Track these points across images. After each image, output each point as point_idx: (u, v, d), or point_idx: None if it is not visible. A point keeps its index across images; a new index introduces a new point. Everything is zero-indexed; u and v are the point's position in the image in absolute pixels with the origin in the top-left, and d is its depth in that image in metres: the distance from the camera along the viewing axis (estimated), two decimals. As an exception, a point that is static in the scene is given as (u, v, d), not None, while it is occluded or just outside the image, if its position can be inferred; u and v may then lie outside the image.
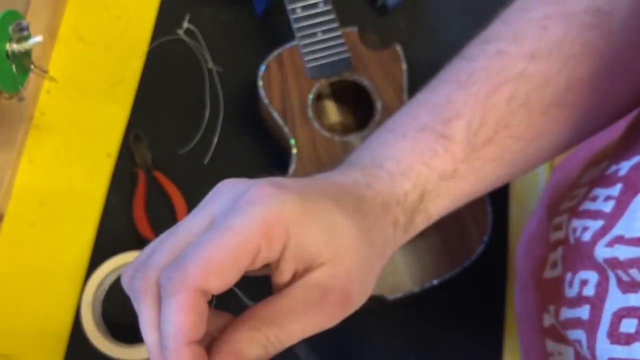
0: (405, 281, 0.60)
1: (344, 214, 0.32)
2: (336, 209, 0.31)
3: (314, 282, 0.30)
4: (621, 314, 0.35)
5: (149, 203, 0.67)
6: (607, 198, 0.39)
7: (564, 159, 0.59)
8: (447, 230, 0.61)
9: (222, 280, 0.28)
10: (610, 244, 0.36)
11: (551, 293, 0.44)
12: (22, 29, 0.58)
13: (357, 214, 0.32)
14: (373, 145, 0.38)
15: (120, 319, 0.63)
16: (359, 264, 0.32)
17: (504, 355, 0.63)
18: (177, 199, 0.66)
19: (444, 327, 0.64)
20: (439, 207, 0.37)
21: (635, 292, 0.34)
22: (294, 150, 0.63)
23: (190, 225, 0.33)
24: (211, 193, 0.34)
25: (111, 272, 0.63)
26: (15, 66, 0.58)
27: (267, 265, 0.31)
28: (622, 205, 0.37)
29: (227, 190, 0.33)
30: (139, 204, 0.66)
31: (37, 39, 0.58)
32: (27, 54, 0.59)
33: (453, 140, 0.37)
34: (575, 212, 0.43)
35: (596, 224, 0.39)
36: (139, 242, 0.65)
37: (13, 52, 0.57)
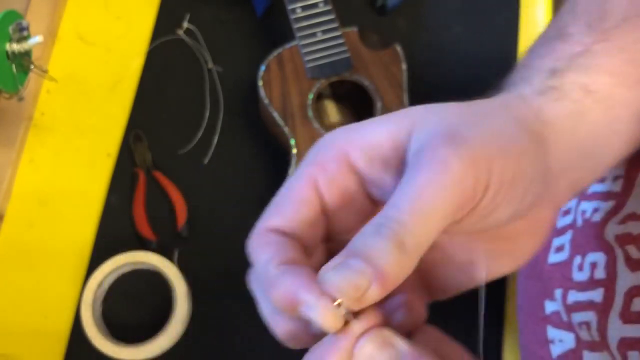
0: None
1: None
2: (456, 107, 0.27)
3: (408, 157, 0.26)
4: (632, 293, 0.35)
5: (149, 203, 0.67)
6: (616, 178, 0.39)
7: None
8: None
9: (293, 221, 0.27)
10: (622, 221, 0.36)
11: (557, 277, 0.44)
12: (22, 29, 0.58)
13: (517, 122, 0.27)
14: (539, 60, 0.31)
15: (120, 319, 0.63)
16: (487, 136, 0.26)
17: (504, 355, 0.63)
18: (177, 199, 0.66)
19: (444, 326, 0.64)
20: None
21: None
22: (294, 150, 0.63)
23: (303, 193, 0.28)
24: (312, 150, 0.29)
25: (111, 272, 0.63)
26: (15, 66, 0.58)
27: None
28: (630, 182, 0.37)
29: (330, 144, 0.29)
30: (139, 204, 0.66)
31: (37, 39, 0.58)
32: (27, 54, 0.59)
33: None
34: (584, 195, 0.43)
35: (607, 205, 0.38)
36: (139, 242, 0.65)
37: (13, 52, 0.57)
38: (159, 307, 0.63)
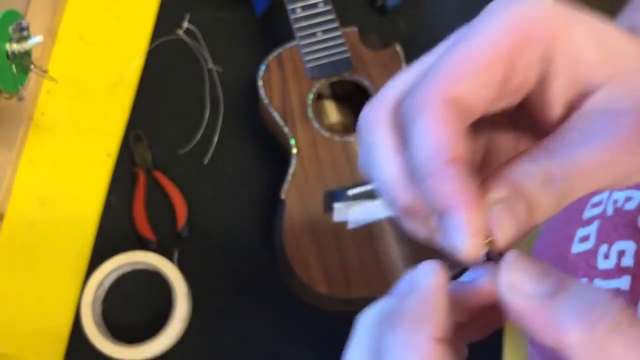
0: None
1: (614, 29, 0.24)
2: (601, 22, 0.24)
3: (596, 107, 0.23)
4: None
5: (149, 203, 0.67)
6: None
7: None
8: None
9: (476, 86, 0.22)
10: None
11: (581, 267, 0.43)
12: (22, 29, 0.58)
13: (631, 34, 0.24)
14: None
15: (120, 319, 0.63)
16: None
17: (504, 355, 0.63)
18: (177, 198, 0.66)
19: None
20: None
21: None
22: (294, 150, 0.63)
23: (422, 61, 0.25)
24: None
25: (111, 272, 0.63)
26: (15, 66, 0.58)
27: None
28: None
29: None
30: (139, 204, 0.66)
31: (37, 39, 0.58)
32: (27, 54, 0.59)
33: None
34: None
35: None
36: (139, 242, 0.65)
37: (13, 52, 0.57)
38: (159, 307, 0.63)
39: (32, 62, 0.60)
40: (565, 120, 0.23)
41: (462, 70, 0.22)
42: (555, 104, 0.24)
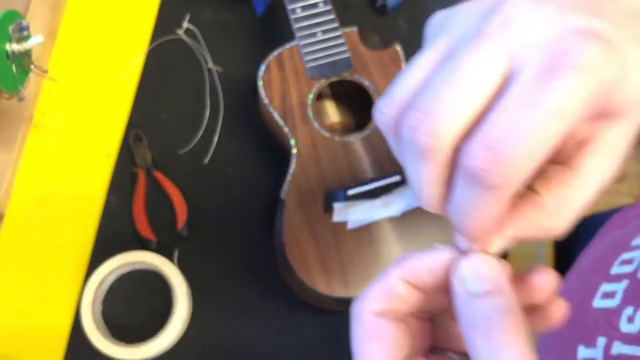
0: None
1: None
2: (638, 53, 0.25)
3: (607, 146, 0.26)
4: None
5: (149, 203, 0.67)
6: None
7: None
8: (447, 230, 0.61)
9: (539, 167, 0.24)
10: None
11: (601, 324, 0.42)
12: (22, 29, 0.58)
13: None
14: None
15: (120, 319, 0.63)
16: None
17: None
18: (177, 199, 0.66)
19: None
20: None
21: None
22: (294, 150, 0.63)
23: (484, 69, 0.24)
24: (496, 20, 0.24)
25: (111, 272, 0.63)
26: (15, 66, 0.58)
27: None
28: None
29: (522, 22, 0.24)
30: (139, 204, 0.66)
31: (37, 39, 0.58)
32: (27, 54, 0.59)
33: None
34: None
35: None
36: (139, 242, 0.65)
37: (13, 52, 0.57)
38: (159, 307, 0.63)
39: (32, 62, 0.60)
40: (569, 154, 0.26)
41: (535, 163, 0.24)
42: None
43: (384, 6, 0.74)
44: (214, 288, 0.65)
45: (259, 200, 0.67)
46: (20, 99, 0.60)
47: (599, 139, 0.26)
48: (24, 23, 0.58)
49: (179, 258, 0.65)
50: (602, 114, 0.25)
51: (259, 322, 0.64)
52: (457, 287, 0.26)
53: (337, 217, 0.60)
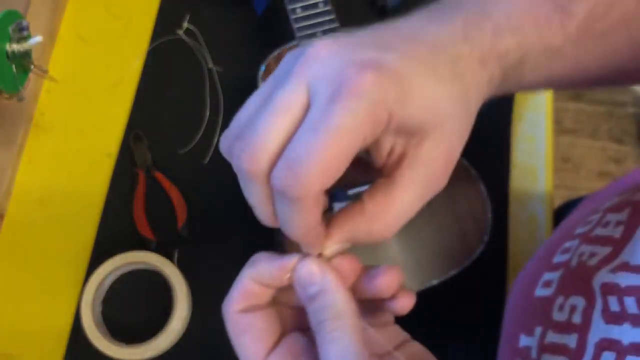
0: (404, 281, 0.59)
1: (441, 82, 0.30)
2: (433, 79, 0.30)
3: (419, 158, 0.30)
4: (602, 346, 0.34)
5: (149, 203, 0.67)
6: (618, 223, 0.38)
7: (599, 191, 0.58)
8: (447, 230, 0.61)
9: (337, 176, 0.28)
10: (613, 271, 0.36)
11: (539, 313, 0.43)
12: (22, 29, 0.58)
13: (454, 78, 0.31)
14: None
15: (120, 319, 0.63)
16: (459, 126, 0.31)
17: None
18: (177, 199, 0.66)
19: (444, 327, 0.64)
20: (532, 78, 0.35)
21: (619, 324, 0.34)
22: (294, 150, 0.63)
23: (288, 100, 0.29)
24: (301, 60, 0.29)
25: (111, 272, 0.63)
26: (15, 66, 0.58)
27: None
28: (629, 230, 0.36)
29: (319, 63, 0.29)
30: (139, 204, 0.66)
31: (37, 39, 0.58)
32: (27, 54, 0.59)
33: (573, 17, 0.34)
34: (587, 238, 0.42)
35: (604, 250, 0.38)
36: (139, 242, 0.65)
37: (13, 52, 0.57)
38: (159, 307, 0.63)
39: (32, 62, 0.60)
40: (386, 166, 0.31)
41: (330, 173, 0.27)
42: (381, 153, 0.31)
43: (384, 6, 0.74)
44: (214, 288, 0.65)
45: (259, 200, 0.67)
46: (20, 99, 0.60)
47: (413, 153, 0.30)
48: (24, 23, 0.58)
49: (179, 258, 0.65)
50: (405, 131, 0.29)
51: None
52: (297, 290, 0.30)
53: (337, 217, 0.60)
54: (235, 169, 0.31)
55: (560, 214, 0.73)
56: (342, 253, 0.32)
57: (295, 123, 0.28)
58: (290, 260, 0.31)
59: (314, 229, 0.30)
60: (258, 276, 0.32)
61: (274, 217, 0.31)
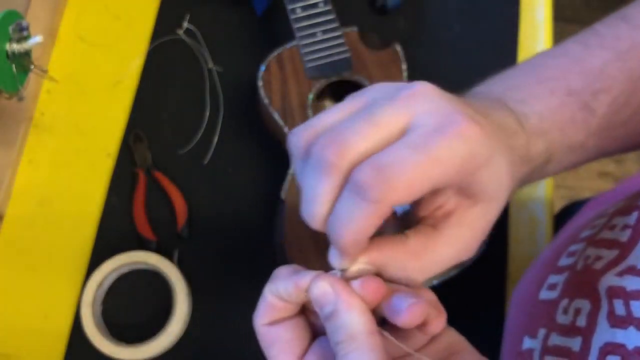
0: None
1: (509, 161, 0.32)
2: (506, 157, 0.32)
3: (467, 220, 0.32)
4: (607, 350, 0.34)
5: (149, 203, 0.67)
6: (625, 227, 0.39)
7: (605, 193, 0.58)
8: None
9: (408, 201, 0.29)
10: (620, 274, 0.36)
11: (543, 315, 0.43)
12: (22, 29, 0.58)
13: (514, 164, 0.33)
14: (522, 88, 0.38)
15: (120, 319, 0.63)
16: (502, 205, 0.33)
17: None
18: (177, 199, 0.66)
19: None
20: (553, 171, 0.38)
21: (624, 328, 0.34)
22: (294, 150, 0.63)
23: (388, 117, 0.30)
24: (408, 91, 0.31)
25: (111, 272, 0.63)
26: (15, 66, 0.58)
27: None
28: (637, 234, 0.36)
29: (427, 98, 0.30)
30: (139, 204, 0.66)
31: (37, 39, 0.58)
32: (27, 54, 0.59)
33: (595, 114, 0.36)
34: (592, 241, 0.42)
35: (610, 254, 0.38)
36: (139, 242, 0.65)
37: (13, 52, 0.57)
38: (159, 307, 0.63)
39: (32, 62, 0.60)
40: (432, 218, 0.32)
41: (413, 191, 0.28)
42: (438, 199, 0.32)
43: (384, 6, 0.74)
44: (214, 288, 0.65)
45: (259, 200, 0.67)
46: (20, 99, 0.60)
47: (462, 213, 0.32)
48: (24, 23, 0.58)
49: (179, 258, 0.65)
50: (466, 192, 0.31)
51: (259, 322, 0.64)
52: (315, 308, 0.30)
53: (337, 217, 0.60)
54: (315, 160, 0.30)
55: (564, 215, 0.73)
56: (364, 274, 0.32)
57: (388, 140, 0.29)
58: (305, 278, 0.31)
59: (365, 238, 0.30)
60: (277, 293, 0.32)
61: (324, 215, 0.30)
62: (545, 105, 0.36)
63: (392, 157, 0.28)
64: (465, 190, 0.31)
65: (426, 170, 0.28)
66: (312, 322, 0.33)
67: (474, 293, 0.64)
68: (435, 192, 0.32)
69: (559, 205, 0.79)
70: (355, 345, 0.28)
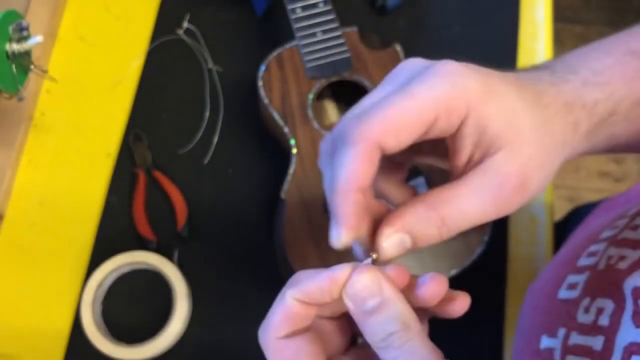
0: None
1: (522, 100, 0.31)
2: (515, 94, 0.31)
3: (491, 167, 0.30)
4: (631, 350, 0.34)
5: (149, 203, 0.67)
6: None
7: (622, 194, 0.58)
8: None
9: (398, 139, 0.29)
10: None
11: (563, 315, 0.43)
12: (22, 29, 0.58)
13: (537, 104, 0.32)
14: (570, 56, 0.37)
15: (120, 319, 0.63)
16: (538, 153, 0.31)
17: (504, 356, 0.63)
18: (177, 199, 0.66)
19: (444, 327, 0.64)
20: (624, 131, 0.36)
21: None
22: (294, 150, 0.63)
23: (372, 95, 0.32)
24: (394, 70, 0.33)
25: (111, 272, 0.63)
26: (15, 66, 0.58)
27: (439, 153, 0.34)
28: None
29: (409, 66, 0.32)
30: (139, 204, 0.66)
31: (37, 39, 0.58)
32: (27, 54, 0.59)
33: None
34: (614, 241, 0.42)
35: (635, 254, 0.38)
36: (139, 242, 0.65)
37: (13, 52, 0.57)
38: (159, 307, 0.63)
39: (32, 62, 0.60)
40: (464, 173, 0.31)
41: (391, 127, 0.29)
42: (461, 154, 0.31)
43: (384, 6, 0.74)
44: (214, 288, 0.65)
45: (259, 200, 0.67)
46: (20, 99, 0.60)
47: (485, 162, 0.30)
48: (24, 23, 0.58)
49: (179, 258, 0.65)
50: (483, 139, 0.30)
51: (259, 322, 0.64)
52: (350, 307, 0.29)
53: (337, 217, 0.60)
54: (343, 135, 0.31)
55: (570, 219, 0.73)
56: (391, 261, 0.31)
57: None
58: (342, 271, 0.29)
59: (356, 184, 0.29)
60: (304, 295, 0.29)
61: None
62: (599, 62, 0.35)
63: (368, 102, 0.30)
64: (481, 135, 0.30)
65: (400, 106, 0.29)
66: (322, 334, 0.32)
67: (474, 293, 0.64)
68: (456, 148, 0.31)
69: (558, 205, 0.79)
70: (412, 334, 0.27)
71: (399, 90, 0.30)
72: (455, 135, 0.31)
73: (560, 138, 0.33)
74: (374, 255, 0.30)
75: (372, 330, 0.28)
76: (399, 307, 0.28)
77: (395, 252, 0.30)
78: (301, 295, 0.29)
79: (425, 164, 0.37)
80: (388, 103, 0.29)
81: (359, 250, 0.32)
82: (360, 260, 0.31)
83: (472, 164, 0.31)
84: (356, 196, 0.29)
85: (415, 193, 0.36)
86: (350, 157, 0.29)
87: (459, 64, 0.30)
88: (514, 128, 0.30)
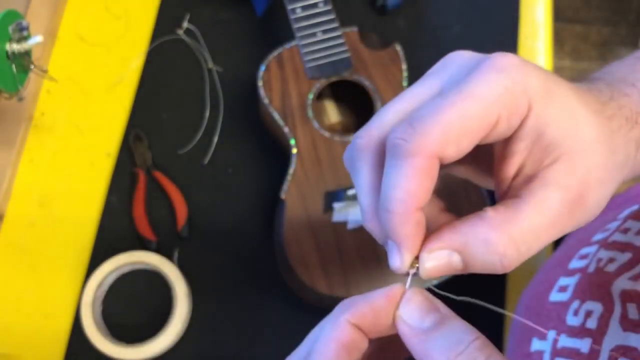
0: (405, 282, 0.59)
1: (586, 109, 0.28)
2: (578, 101, 0.28)
3: (553, 179, 0.27)
4: (618, 353, 0.34)
5: (149, 203, 0.67)
6: (639, 232, 0.38)
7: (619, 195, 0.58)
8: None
9: (459, 147, 0.26)
10: (634, 278, 0.35)
11: (553, 318, 0.43)
12: (22, 29, 0.58)
13: (600, 115, 0.29)
14: (616, 69, 0.34)
15: (120, 319, 0.63)
16: (599, 168, 0.28)
17: (504, 355, 0.63)
18: (177, 198, 0.66)
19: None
20: None
21: (637, 332, 0.33)
22: (294, 150, 0.63)
23: (417, 91, 0.28)
24: (439, 63, 0.29)
25: (111, 272, 0.63)
26: (15, 66, 0.58)
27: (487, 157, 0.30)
28: None
29: (459, 59, 0.29)
30: (139, 204, 0.66)
31: (37, 39, 0.58)
32: (27, 54, 0.59)
33: None
34: (605, 244, 0.42)
35: (623, 257, 0.38)
36: (139, 242, 0.65)
37: (13, 52, 0.57)
38: (159, 307, 0.63)
39: (32, 62, 0.60)
40: (512, 188, 0.28)
41: (452, 135, 0.25)
42: (512, 162, 0.28)
43: (384, 6, 0.74)
44: (214, 288, 0.65)
45: (259, 200, 0.67)
46: (20, 99, 0.60)
47: (544, 174, 0.27)
48: (24, 23, 0.58)
49: (179, 258, 0.65)
50: (541, 144, 0.27)
51: (259, 322, 0.64)
52: (402, 328, 0.26)
53: (336, 217, 0.60)
54: (347, 163, 0.29)
55: None
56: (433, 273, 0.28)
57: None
58: (394, 287, 0.27)
59: (416, 206, 0.26)
60: (358, 318, 0.26)
61: (374, 211, 0.28)
62: None
63: (423, 108, 0.26)
64: (539, 140, 0.27)
65: (460, 108, 0.25)
66: None
67: (474, 293, 0.64)
68: (506, 155, 0.28)
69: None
70: (488, 351, 0.25)
71: (454, 89, 0.26)
72: (509, 138, 0.27)
73: (623, 154, 0.30)
74: (412, 271, 0.28)
75: (439, 346, 0.25)
76: (461, 324, 0.26)
77: (439, 272, 0.28)
78: (355, 319, 0.26)
79: (459, 176, 0.33)
80: (445, 105, 0.25)
81: (392, 259, 0.29)
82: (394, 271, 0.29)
83: (520, 178, 0.28)
84: (416, 216, 0.26)
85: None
86: (408, 173, 0.25)
87: (516, 57, 0.27)
88: (576, 136, 0.27)
